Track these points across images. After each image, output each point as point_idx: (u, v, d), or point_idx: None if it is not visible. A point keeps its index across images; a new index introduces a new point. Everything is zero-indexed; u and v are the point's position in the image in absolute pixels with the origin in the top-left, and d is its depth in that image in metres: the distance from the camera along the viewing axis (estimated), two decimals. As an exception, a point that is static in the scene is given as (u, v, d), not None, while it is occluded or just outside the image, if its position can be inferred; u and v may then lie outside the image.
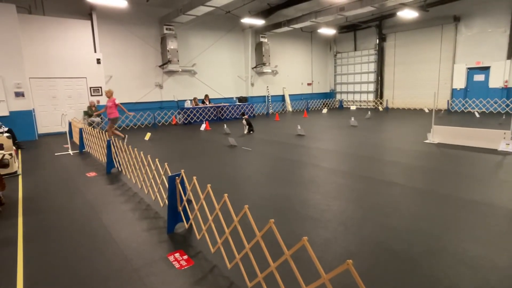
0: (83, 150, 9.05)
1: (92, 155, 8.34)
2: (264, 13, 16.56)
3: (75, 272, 2.98)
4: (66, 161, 7.91)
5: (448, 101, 17.36)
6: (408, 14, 15.51)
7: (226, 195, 2.69)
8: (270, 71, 19.58)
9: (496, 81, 15.73)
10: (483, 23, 15.90)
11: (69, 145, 9.05)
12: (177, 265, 3.03)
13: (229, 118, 16.36)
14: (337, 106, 22.97)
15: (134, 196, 5.10)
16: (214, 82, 17.86)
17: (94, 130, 7.74)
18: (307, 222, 3.87)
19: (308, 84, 22.59)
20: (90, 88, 13.48)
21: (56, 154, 8.78)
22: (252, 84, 19.16)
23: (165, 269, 2.98)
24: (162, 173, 4.08)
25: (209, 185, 3.00)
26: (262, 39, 18.53)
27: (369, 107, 21.45)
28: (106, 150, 6.64)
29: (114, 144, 6.37)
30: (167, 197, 3.75)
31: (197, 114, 15.21)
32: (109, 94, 9.54)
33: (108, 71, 14.15)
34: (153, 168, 4.36)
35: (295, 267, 2.08)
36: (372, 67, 21.10)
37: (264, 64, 18.55)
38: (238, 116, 16.33)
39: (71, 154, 8.73)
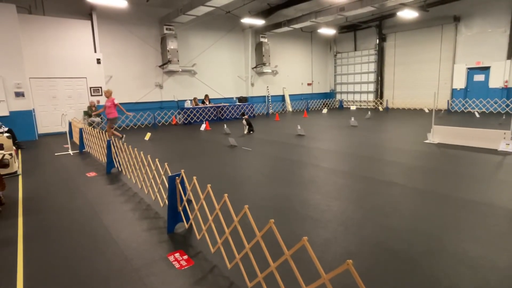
0: (83, 150, 9.05)
1: (92, 155, 8.34)
2: (264, 13, 16.56)
3: (75, 272, 2.98)
4: (66, 161, 7.91)
5: (448, 101, 17.35)
6: (408, 14, 15.52)
7: (226, 195, 2.69)
8: (270, 71, 19.58)
9: (496, 81, 15.73)
10: (483, 23, 15.90)
11: (69, 145, 9.05)
12: (177, 265, 3.03)
13: (229, 118, 16.36)
14: (337, 106, 22.97)
15: (134, 196, 5.10)
16: (214, 82, 17.86)
17: (94, 130, 7.74)
18: (307, 222, 3.87)
19: (308, 84, 22.60)
20: (90, 88, 13.48)
21: (56, 154, 8.78)
22: (252, 84, 19.17)
23: (165, 269, 2.98)
24: (162, 173, 4.08)
25: (209, 185, 3.00)
26: (262, 39, 18.53)
27: (369, 107, 21.45)
28: (106, 150, 6.64)
29: (114, 144, 6.37)
30: (167, 197, 3.75)
31: (197, 114, 15.21)
32: (108, 94, 9.54)
33: (108, 71, 14.15)
34: (153, 168, 4.36)
35: (295, 267, 2.08)
36: (372, 67, 21.10)
37: (264, 64, 18.55)
38: (238, 116, 16.33)
39: (71, 154, 8.73)
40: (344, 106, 22.70)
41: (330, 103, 23.03)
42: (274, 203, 4.56)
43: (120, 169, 6.42)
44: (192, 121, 15.06)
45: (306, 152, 7.94)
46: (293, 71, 21.36)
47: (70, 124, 10.55)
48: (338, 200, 4.59)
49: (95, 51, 13.43)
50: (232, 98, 18.58)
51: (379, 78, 20.76)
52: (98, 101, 13.32)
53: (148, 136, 10.99)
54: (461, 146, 7.96)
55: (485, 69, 16.11)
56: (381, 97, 20.96)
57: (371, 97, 21.58)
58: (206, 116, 15.50)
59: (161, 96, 16.07)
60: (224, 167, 6.76)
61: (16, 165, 6.90)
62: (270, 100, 19.98)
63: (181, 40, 16.06)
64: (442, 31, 17.47)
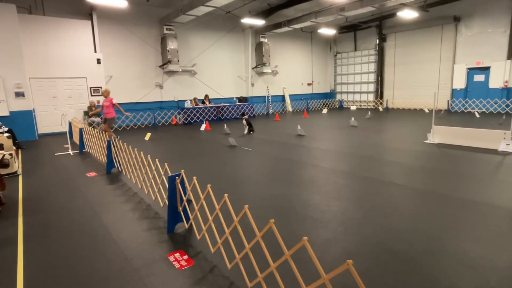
0: (83, 150, 9.05)
1: (92, 155, 8.34)
2: (264, 13, 16.57)
3: (75, 272, 2.98)
4: (66, 161, 7.91)
5: (448, 101, 17.36)
6: (408, 14, 15.52)
7: (226, 195, 2.69)
8: (270, 71, 19.58)
9: (496, 81, 15.73)
10: (483, 23, 15.90)
11: (69, 145, 9.05)
12: (177, 265, 3.03)
13: (229, 118, 16.36)
14: (337, 106, 22.97)
15: (134, 196, 5.10)
16: (214, 82, 17.86)
17: (94, 130, 7.75)
18: (307, 222, 3.87)
19: (308, 84, 22.60)
20: (90, 88, 13.48)
21: (56, 154, 8.78)
22: (252, 84, 19.17)
23: (165, 269, 2.98)
24: (162, 173, 4.08)
25: (209, 185, 3.00)
26: (262, 39, 18.53)
27: (369, 107, 21.45)
28: (106, 150, 6.64)
29: (114, 144, 6.38)
30: (167, 197, 3.75)
31: (197, 114, 15.21)
32: (106, 94, 9.53)
33: (108, 71, 14.15)
34: (153, 168, 4.36)
35: (295, 267, 2.08)
36: (372, 67, 21.10)
37: (264, 64, 18.55)
38: (238, 116, 16.33)
39: (71, 154, 8.73)
40: (344, 106, 22.70)
41: (330, 103, 23.03)
42: (274, 203, 4.56)
43: (120, 169, 6.42)
44: (192, 121, 15.06)
45: (306, 152, 7.94)
46: (293, 71, 21.36)
47: (70, 124, 10.55)
48: (338, 200, 4.59)
49: (95, 51, 13.43)
50: (232, 98, 18.58)
51: (379, 78, 20.77)
52: (98, 101, 13.32)
53: (148, 136, 10.99)
54: (461, 146, 7.96)
55: (485, 69, 16.11)
56: (381, 97, 20.96)
57: (371, 97, 21.58)
58: (206, 116, 15.50)
59: (161, 96, 16.07)
60: (224, 167, 6.76)
61: (16, 165, 6.90)
62: (270, 100, 19.98)
63: (181, 40, 16.06)
64: (442, 31, 17.47)
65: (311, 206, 4.40)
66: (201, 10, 13.16)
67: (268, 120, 15.78)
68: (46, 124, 12.72)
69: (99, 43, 13.53)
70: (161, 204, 4.20)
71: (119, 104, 9.86)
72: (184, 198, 3.61)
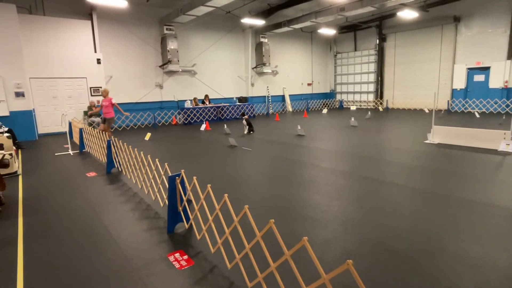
0: (83, 150, 9.05)
1: (92, 155, 8.34)
2: (264, 13, 16.57)
3: (75, 272, 2.98)
4: (66, 161, 7.91)
5: (448, 101, 17.36)
6: (408, 14, 15.52)
7: (226, 195, 2.69)
8: (270, 71, 19.58)
9: (496, 82, 15.73)
10: (483, 23, 15.90)
11: (69, 145, 9.05)
12: (177, 265, 3.03)
13: (229, 118, 16.36)
14: (337, 106, 22.97)
15: (134, 196, 5.10)
16: (214, 82, 17.86)
17: (94, 130, 7.75)
18: (307, 222, 3.87)
19: (308, 84, 22.60)
20: (90, 88, 13.48)
21: (56, 154, 8.78)
22: (252, 84, 19.17)
23: (165, 269, 2.98)
24: (162, 173, 4.08)
25: (209, 185, 3.00)
26: (262, 39, 18.53)
27: (369, 107, 21.45)
28: (106, 150, 6.64)
29: (114, 144, 6.38)
30: (167, 197, 3.75)
31: (197, 114, 15.21)
32: (105, 94, 9.52)
33: (108, 71, 14.15)
34: (153, 168, 4.36)
35: (295, 267, 2.08)
36: (372, 67, 21.10)
37: (264, 64, 18.56)
38: (238, 116, 16.34)
39: (71, 154, 8.73)
40: (344, 106, 22.70)
41: (330, 103, 23.03)
42: (274, 203, 4.56)
43: (120, 169, 6.42)
44: (192, 121, 15.06)
45: (306, 152, 7.94)
46: (293, 71, 21.37)
47: (70, 124, 10.55)
48: (338, 200, 4.59)
49: (95, 51, 13.43)
50: (232, 98, 18.58)
51: (379, 78, 20.77)
52: (98, 101, 13.31)
53: (148, 136, 10.99)
54: (461, 146, 7.96)
55: (485, 69, 16.11)
56: (381, 97, 20.96)
57: (371, 97, 21.58)
58: (206, 116, 15.50)
59: (161, 96, 16.08)
60: (224, 167, 6.76)
61: (16, 165, 6.90)
62: (270, 100, 19.99)
63: (181, 40, 16.06)
64: (442, 31, 17.47)
65: (311, 206, 4.40)
66: (201, 10, 13.16)
67: (268, 120, 15.78)
68: (46, 124, 12.72)
69: (99, 43, 13.54)
70: (161, 204, 4.20)
71: (119, 104, 9.87)
72: (184, 198, 3.61)
